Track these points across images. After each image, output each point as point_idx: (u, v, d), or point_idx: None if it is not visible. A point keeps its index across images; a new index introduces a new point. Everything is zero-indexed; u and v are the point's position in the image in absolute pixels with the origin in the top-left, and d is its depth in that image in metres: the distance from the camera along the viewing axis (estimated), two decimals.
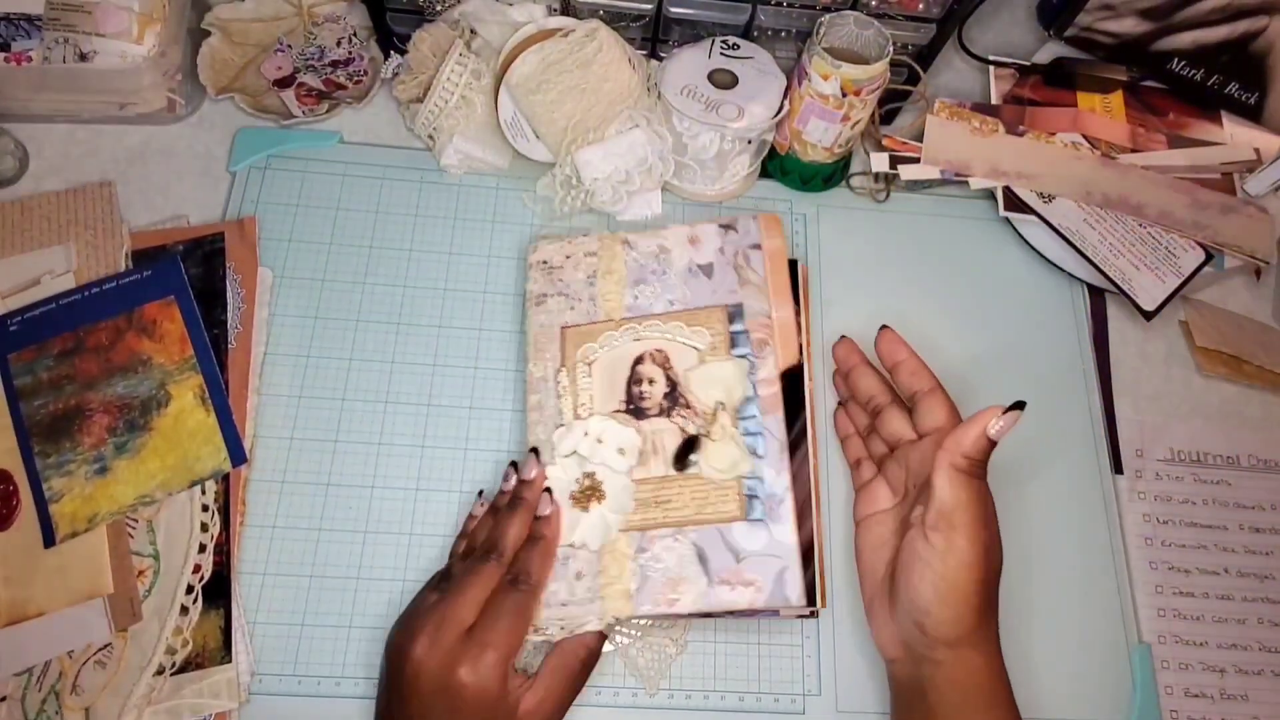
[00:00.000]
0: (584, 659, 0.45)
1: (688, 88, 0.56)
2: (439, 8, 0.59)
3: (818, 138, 0.58)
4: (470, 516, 0.50)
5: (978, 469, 0.43)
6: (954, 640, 0.42)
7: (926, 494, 0.43)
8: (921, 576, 0.42)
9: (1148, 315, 0.59)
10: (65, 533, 0.47)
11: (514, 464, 0.50)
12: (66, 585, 0.46)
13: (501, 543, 0.45)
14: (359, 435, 0.53)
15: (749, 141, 0.58)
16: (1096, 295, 0.62)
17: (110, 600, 0.46)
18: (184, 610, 0.47)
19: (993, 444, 0.43)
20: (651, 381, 0.51)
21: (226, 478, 0.50)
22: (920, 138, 0.63)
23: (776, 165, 0.62)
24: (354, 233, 0.58)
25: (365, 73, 0.63)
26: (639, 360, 0.52)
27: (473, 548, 0.47)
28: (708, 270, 0.54)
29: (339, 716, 0.47)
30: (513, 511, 0.47)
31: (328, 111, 0.61)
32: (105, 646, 0.46)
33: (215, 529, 0.48)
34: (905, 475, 0.48)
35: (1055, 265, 0.62)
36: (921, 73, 0.63)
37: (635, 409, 0.51)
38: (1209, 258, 0.61)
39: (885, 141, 0.63)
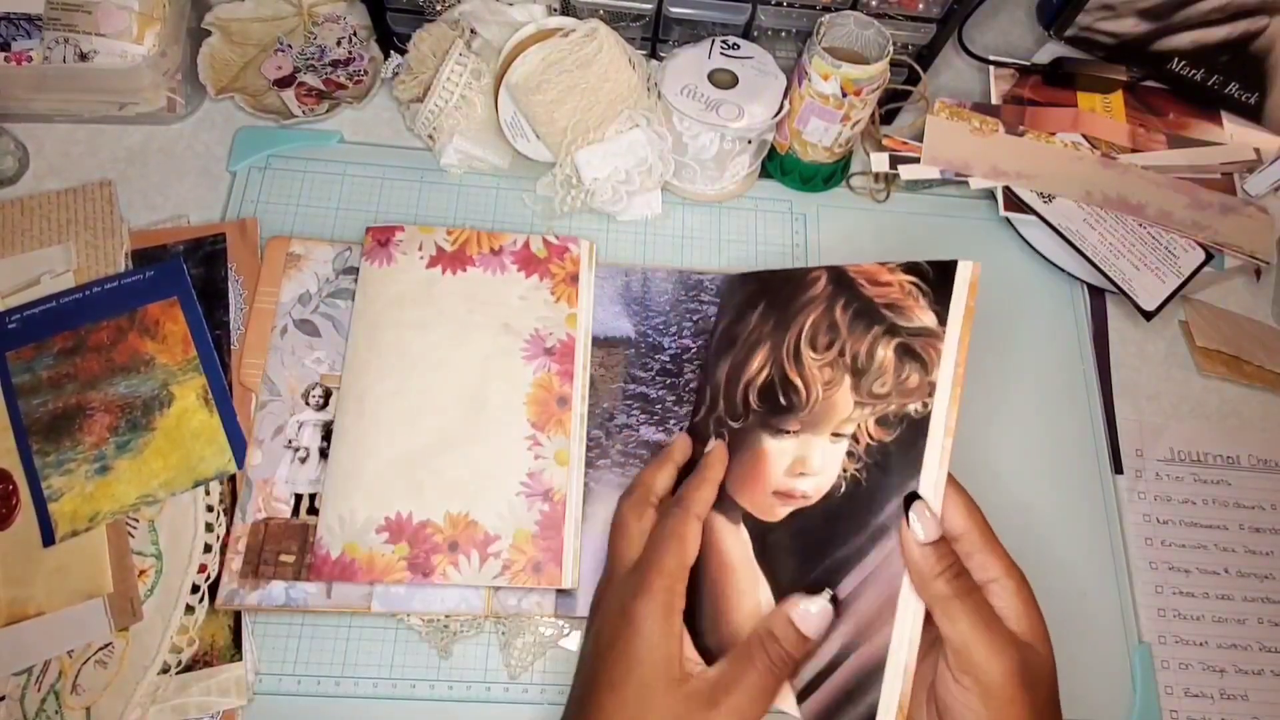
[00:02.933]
0: (775, 654, 0.38)
1: (688, 88, 0.56)
2: (439, 8, 0.59)
3: (818, 138, 0.58)
4: None
5: (956, 584, 0.36)
6: None
7: None
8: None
9: (1148, 315, 0.59)
10: (65, 532, 0.47)
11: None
12: (66, 585, 0.46)
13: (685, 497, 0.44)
14: None
15: (749, 141, 0.58)
16: (1096, 295, 0.62)
17: (110, 600, 0.46)
18: (189, 610, 0.47)
19: (938, 546, 0.36)
20: None
21: (232, 478, 0.50)
22: (920, 138, 0.63)
23: (776, 165, 0.62)
24: (354, 232, 0.58)
25: (365, 72, 0.63)
26: None
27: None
28: None
29: (340, 716, 0.47)
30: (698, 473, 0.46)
31: (328, 111, 0.61)
32: (106, 646, 0.46)
33: (220, 529, 0.48)
34: None
35: (1055, 265, 0.62)
36: (921, 73, 0.63)
37: None
38: (1209, 258, 0.61)
39: (885, 141, 0.63)
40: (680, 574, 0.41)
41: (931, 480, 0.37)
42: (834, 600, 0.38)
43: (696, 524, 0.43)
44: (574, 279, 0.56)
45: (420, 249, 0.55)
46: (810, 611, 0.38)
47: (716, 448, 0.47)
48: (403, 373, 0.51)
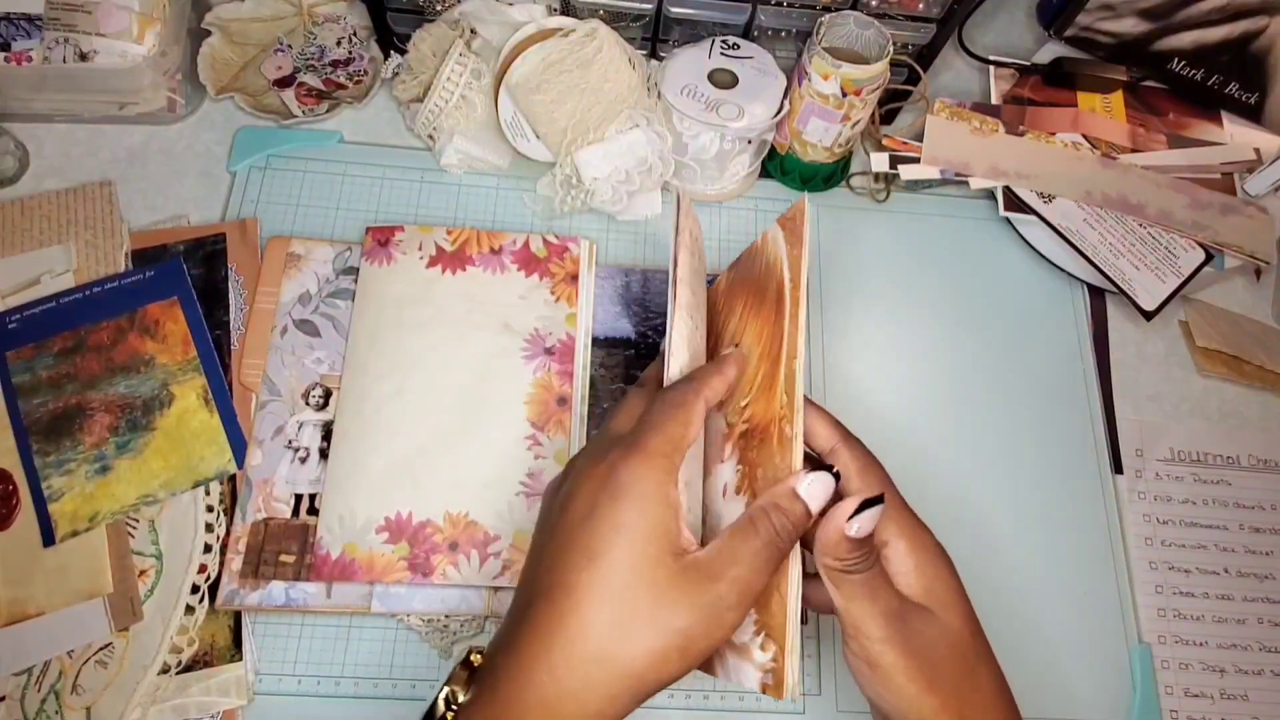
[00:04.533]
0: (779, 525, 0.34)
1: (688, 88, 0.56)
2: (439, 8, 0.59)
3: (818, 138, 0.58)
4: None
5: (858, 564, 0.35)
6: None
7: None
8: (883, 701, 0.35)
9: (1148, 315, 0.59)
10: (65, 532, 0.47)
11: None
12: (66, 585, 0.46)
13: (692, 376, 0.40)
14: None
15: (749, 141, 0.58)
16: (1096, 295, 0.62)
17: (110, 600, 0.46)
18: (189, 610, 0.47)
19: (861, 542, 0.34)
20: None
21: (232, 479, 0.50)
22: (920, 138, 0.63)
23: (776, 165, 0.62)
24: (354, 233, 0.58)
25: (365, 72, 0.63)
26: None
27: None
28: None
29: (339, 716, 0.47)
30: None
31: (328, 111, 0.61)
32: (106, 646, 0.46)
33: (220, 529, 0.48)
34: None
35: (1055, 265, 0.62)
36: (921, 73, 0.63)
37: None
38: (1209, 258, 0.61)
39: (885, 141, 0.63)
40: (680, 444, 0.36)
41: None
42: (835, 475, 0.36)
43: (702, 405, 0.37)
44: (574, 279, 0.56)
45: (420, 249, 0.55)
46: (814, 484, 0.35)
47: (735, 352, 0.41)
48: (403, 373, 0.51)
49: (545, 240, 0.56)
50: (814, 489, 0.35)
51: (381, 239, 0.55)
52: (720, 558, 0.34)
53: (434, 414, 0.50)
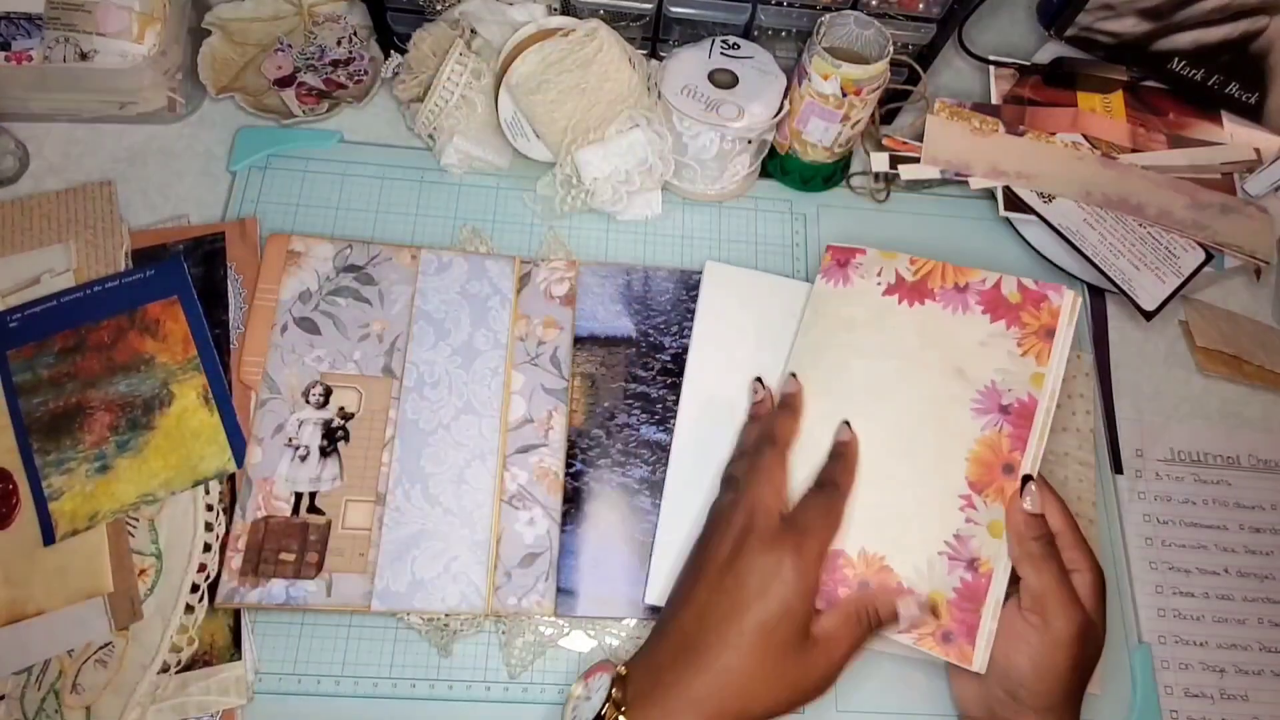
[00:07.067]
0: (873, 616, 0.44)
1: (688, 88, 0.56)
2: (439, 7, 0.59)
3: (818, 138, 0.58)
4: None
5: (1047, 548, 0.44)
6: (1043, 710, 0.44)
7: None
8: (1019, 651, 0.44)
9: (1148, 315, 0.59)
10: (65, 531, 0.47)
11: (759, 380, 0.53)
12: (66, 584, 0.46)
13: (775, 434, 0.48)
14: None
15: (749, 141, 0.58)
16: (1096, 295, 0.63)
17: (110, 599, 0.46)
18: (189, 609, 0.46)
19: (1038, 517, 0.45)
20: None
21: (232, 478, 0.50)
22: (920, 138, 0.63)
23: (776, 165, 0.62)
24: (354, 232, 0.58)
25: (365, 72, 0.63)
26: None
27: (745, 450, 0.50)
28: None
29: (340, 715, 0.47)
30: (784, 410, 0.50)
31: (328, 111, 0.61)
32: (106, 645, 0.46)
33: (220, 529, 0.48)
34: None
35: (1055, 265, 0.62)
36: (921, 73, 0.63)
37: None
38: (1209, 258, 0.61)
39: (885, 141, 0.63)
40: (828, 546, 0.45)
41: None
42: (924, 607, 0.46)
43: (845, 505, 0.46)
44: (1049, 333, 0.47)
45: (879, 274, 0.52)
46: (909, 606, 0.45)
47: (852, 439, 0.49)
48: (839, 395, 0.49)
49: (1020, 284, 0.49)
50: (908, 612, 0.45)
51: (841, 259, 0.53)
52: (831, 640, 0.43)
53: (866, 446, 0.48)
